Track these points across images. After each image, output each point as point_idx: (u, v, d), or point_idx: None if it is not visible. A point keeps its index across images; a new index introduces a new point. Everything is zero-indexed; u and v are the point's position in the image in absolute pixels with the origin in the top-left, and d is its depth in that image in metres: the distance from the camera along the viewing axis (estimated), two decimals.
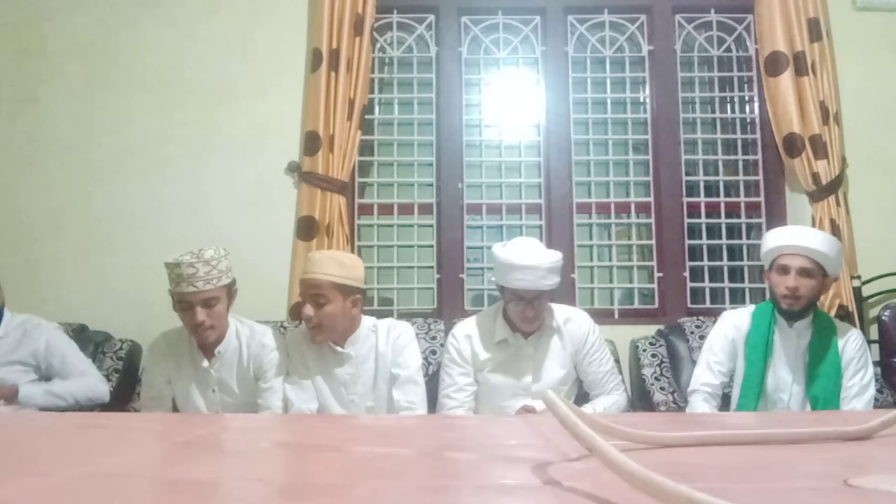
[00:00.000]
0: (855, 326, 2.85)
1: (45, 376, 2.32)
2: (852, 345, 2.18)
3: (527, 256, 2.08)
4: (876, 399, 2.53)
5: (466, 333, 2.25)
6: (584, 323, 2.26)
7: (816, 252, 2.09)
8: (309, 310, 2.03)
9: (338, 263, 2.05)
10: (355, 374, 2.11)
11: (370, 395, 2.13)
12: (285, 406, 2.09)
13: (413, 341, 2.18)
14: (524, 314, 2.12)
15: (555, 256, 2.12)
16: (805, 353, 2.18)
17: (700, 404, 2.21)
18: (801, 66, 3.00)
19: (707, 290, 3.16)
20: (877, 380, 2.62)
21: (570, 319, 2.25)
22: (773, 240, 2.18)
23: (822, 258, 2.09)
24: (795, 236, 2.15)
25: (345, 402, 2.11)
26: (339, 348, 2.11)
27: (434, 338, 2.70)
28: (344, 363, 2.11)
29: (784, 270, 2.12)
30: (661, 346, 2.73)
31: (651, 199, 3.20)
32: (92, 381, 2.29)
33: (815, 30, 3.02)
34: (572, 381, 2.28)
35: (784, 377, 2.19)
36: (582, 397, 2.31)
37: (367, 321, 2.17)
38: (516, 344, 2.21)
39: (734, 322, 2.27)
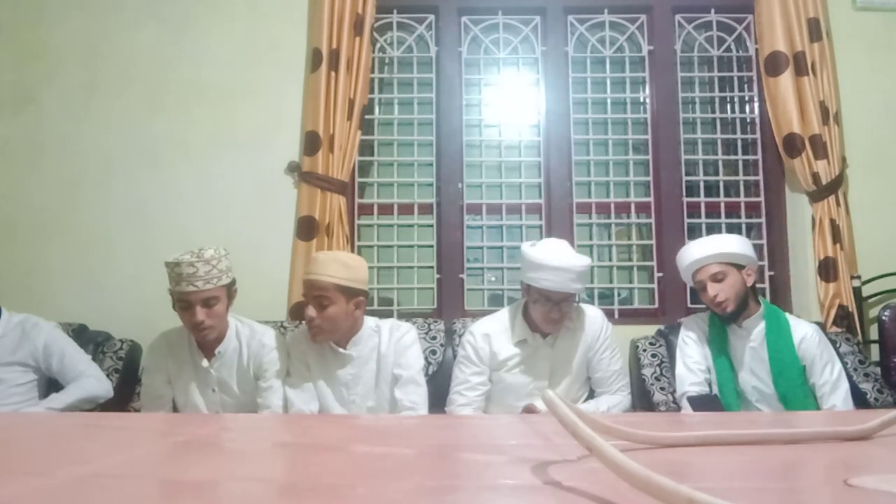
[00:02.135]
0: (855, 327, 2.87)
1: (45, 376, 2.32)
2: (810, 341, 2.18)
3: (559, 258, 2.08)
4: (876, 399, 2.54)
5: (485, 332, 2.25)
6: (598, 319, 2.27)
7: (716, 255, 2.16)
8: (311, 311, 2.02)
9: (342, 265, 2.04)
10: (357, 375, 2.11)
11: (371, 395, 2.12)
12: (286, 406, 2.09)
13: (416, 343, 2.17)
14: (549, 315, 2.12)
15: (585, 261, 2.12)
16: (763, 350, 2.19)
17: None
18: (801, 66, 3.00)
19: None
20: (877, 379, 2.62)
21: (586, 316, 2.26)
22: (681, 263, 2.27)
23: (725, 257, 2.16)
24: (694, 252, 2.22)
25: (346, 402, 2.11)
26: (340, 349, 2.10)
27: (434, 338, 2.70)
28: (346, 364, 2.11)
29: (701, 285, 2.20)
30: (661, 346, 2.73)
31: (651, 199, 3.20)
32: (90, 382, 2.27)
33: (815, 30, 3.02)
34: (586, 380, 2.30)
35: (747, 377, 2.22)
36: (593, 395, 2.32)
37: (369, 321, 2.16)
38: (535, 344, 2.21)
39: (694, 325, 2.33)
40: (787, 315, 2.27)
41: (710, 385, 2.27)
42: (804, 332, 2.20)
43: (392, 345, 2.12)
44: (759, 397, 2.21)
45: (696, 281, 2.23)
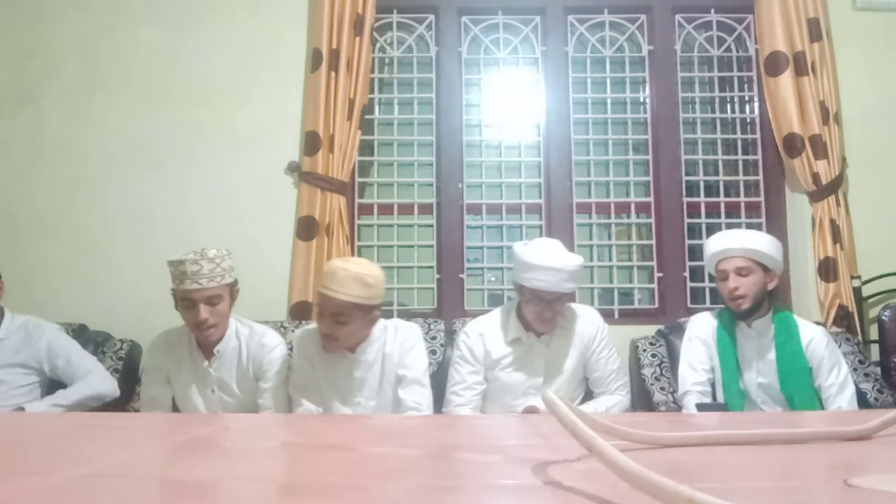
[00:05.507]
0: (855, 327, 2.87)
1: (49, 378, 2.32)
2: (818, 344, 2.19)
3: (551, 258, 2.07)
4: (876, 399, 2.54)
5: (479, 331, 2.25)
6: (594, 320, 2.26)
7: (748, 250, 2.15)
8: (325, 326, 1.99)
9: (361, 284, 1.95)
10: (363, 378, 2.10)
11: (375, 396, 2.12)
12: (290, 405, 2.08)
13: (420, 343, 2.17)
14: (542, 315, 2.12)
15: (578, 260, 2.12)
16: (770, 351, 2.19)
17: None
18: (801, 66, 3.00)
19: (707, 290, 3.15)
20: (877, 379, 2.62)
21: (581, 316, 2.25)
22: (708, 249, 2.25)
23: (755, 255, 2.15)
24: (725, 241, 2.21)
25: (351, 403, 2.10)
26: (350, 353, 2.09)
27: (434, 338, 2.70)
28: (353, 367, 2.09)
29: (723, 275, 2.19)
30: (661, 346, 2.73)
31: (651, 199, 3.20)
32: (96, 380, 2.28)
33: (815, 30, 3.02)
34: (582, 380, 2.29)
35: (752, 377, 2.22)
36: (590, 395, 2.31)
37: (378, 323, 2.14)
38: (529, 343, 2.21)
39: (702, 323, 2.32)
40: (796, 317, 2.27)
41: (712, 385, 2.27)
42: (812, 334, 2.21)
43: (397, 345, 2.12)
44: (764, 398, 2.20)
45: (718, 270, 2.20)
